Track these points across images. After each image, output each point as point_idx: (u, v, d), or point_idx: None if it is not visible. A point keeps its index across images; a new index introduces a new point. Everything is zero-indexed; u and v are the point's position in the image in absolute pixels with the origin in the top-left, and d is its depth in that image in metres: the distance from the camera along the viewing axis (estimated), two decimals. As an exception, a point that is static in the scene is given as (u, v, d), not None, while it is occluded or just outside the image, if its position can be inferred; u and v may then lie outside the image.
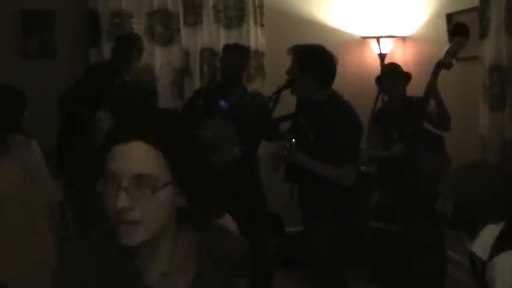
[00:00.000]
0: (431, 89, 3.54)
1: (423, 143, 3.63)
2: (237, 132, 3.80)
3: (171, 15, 4.83)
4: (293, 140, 3.16)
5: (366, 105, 4.20)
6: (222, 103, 3.94)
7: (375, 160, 3.99)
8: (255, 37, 5.01)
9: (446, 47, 3.59)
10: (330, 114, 3.09)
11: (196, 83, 4.84)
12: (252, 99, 3.98)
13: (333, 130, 3.05)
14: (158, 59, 4.80)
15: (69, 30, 4.73)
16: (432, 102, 3.61)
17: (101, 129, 2.24)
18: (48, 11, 4.67)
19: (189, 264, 1.29)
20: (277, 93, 3.30)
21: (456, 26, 3.76)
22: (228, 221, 1.80)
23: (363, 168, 4.15)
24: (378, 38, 5.22)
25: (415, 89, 3.84)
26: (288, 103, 3.43)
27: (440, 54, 3.55)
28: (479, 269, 2.04)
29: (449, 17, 4.51)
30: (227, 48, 4.16)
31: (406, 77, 3.93)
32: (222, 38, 4.89)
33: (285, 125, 3.68)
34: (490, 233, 2.03)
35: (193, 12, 4.90)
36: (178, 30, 4.85)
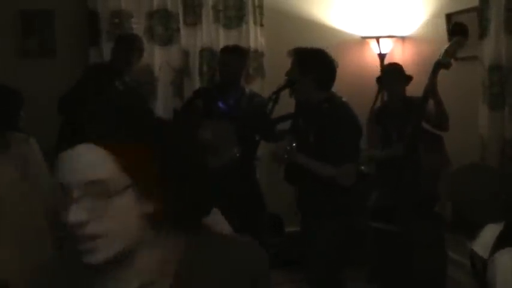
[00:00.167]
0: (431, 89, 3.54)
1: (422, 143, 3.63)
2: (235, 133, 3.81)
3: (171, 15, 4.83)
4: (293, 144, 3.16)
5: (366, 105, 4.20)
6: (220, 104, 3.95)
7: (374, 160, 4.00)
8: (255, 37, 5.01)
9: (445, 46, 3.60)
10: (329, 115, 3.09)
11: (196, 83, 4.84)
12: (249, 100, 3.99)
13: (332, 130, 3.06)
14: (158, 59, 4.80)
15: (69, 30, 4.73)
16: (431, 102, 3.61)
17: None
18: (48, 11, 4.67)
19: (169, 272, 1.14)
20: (277, 93, 3.30)
21: (455, 26, 3.76)
22: (217, 220, 1.78)
23: (362, 168, 4.16)
24: (377, 38, 5.23)
25: (415, 89, 3.85)
26: (287, 103, 3.43)
27: (439, 53, 3.56)
28: (479, 268, 2.05)
29: (449, 17, 4.52)
30: (226, 49, 4.16)
31: (407, 77, 3.94)
32: (221, 38, 4.90)
33: (283, 126, 3.69)
34: (490, 232, 2.03)
35: (192, 12, 4.90)
36: (178, 30, 4.85)
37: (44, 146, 3.02)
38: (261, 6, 5.04)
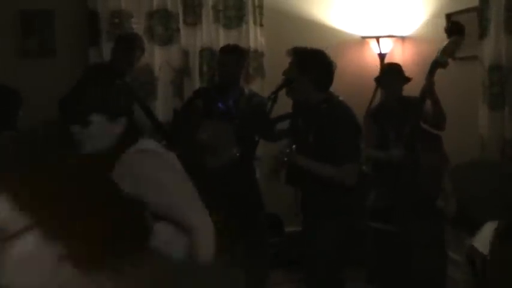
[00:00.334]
0: (428, 88, 3.55)
1: (421, 143, 3.63)
2: (234, 133, 3.81)
3: (171, 15, 4.83)
4: (293, 146, 3.17)
5: (366, 105, 4.21)
6: (220, 104, 3.94)
7: (371, 159, 4.00)
8: (255, 37, 5.01)
9: (442, 45, 3.61)
10: (327, 115, 3.09)
11: (196, 83, 4.84)
12: (249, 100, 3.99)
13: (331, 130, 3.06)
14: (157, 58, 4.80)
15: (69, 30, 4.73)
16: (428, 102, 3.62)
17: (93, 134, 2.20)
18: (48, 11, 4.67)
19: None
20: (275, 93, 3.31)
21: (452, 25, 3.76)
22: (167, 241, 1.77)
23: (364, 168, 4.16)
24: (377, 38, 5.23)
25: (414, 88, 3.85)
26: (286, 103, 3.43)
27: (437, 53, 3.56)
28: (479, 264, 2.04)
29: (449, 17, 4.52)
30: (224, 49, 4.16)
31: (405, 78, 3.95)
32: (221, 38, 4.90)
33: (282, 125, 3.69)
34: (490, 228, 2.03)
35: (192, 12, 4.90)
36: (178, 30, 4.85)
37: (43, 146, 3.01)
38: (261, 6, 5.04)
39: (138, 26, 4.75)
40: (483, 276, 2.01)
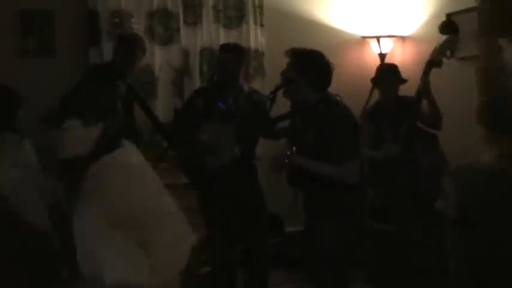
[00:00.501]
0: (424, 88, 3.56)
1: (418, 142, 3.64)
2: (235, 133, 3.80)
3: (171, 15, 4.83)
4: (293, 148, 3.16)
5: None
6: (220, 104, 3.94)
7: (368, 159, 4.00)
8: (255, 37, 5.01)
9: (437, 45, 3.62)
10: (325, 114, 3.09)
11: (196, 82, 4.84)
12: (248, 98, 3.98)
13: (329, 129, 3.06)
14: (158, 58, 4.80)
15: (69, 30, 4.73)
16: (424, 102, 3.62)
17: (67, 139, 2.16)
18: (48, 10, 4.67)
19: None
20: (274, 92, 3.31)
21: (445, 24, 3.77)
22: None
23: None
24: (377, 38, 5.23)
25: (415, 88, 3.84)
26: (285, 103, 3.43)
27: (431, 53, 3.57)
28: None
29: (449, 17, 4.52)
30: (224, 48, 4.15)
31: (401, 78, 3.97)
32: (221, 38, 4.90)
33: (283, 123, 3.68)
34: None
35: (192, 12, 4.90)
36: (178, 30, 4.85)
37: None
38: (261, 6, 5.04)
39: (138, 25, 4.75)
40: None
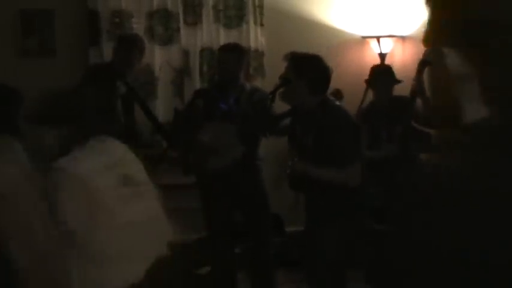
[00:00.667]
0: (418, 88, 3.57)
1: (414, 142, 3.65)
2: (236, 132, 3.80)
3: (171, 15, 4.83)
4: (295, 159, 3.17)
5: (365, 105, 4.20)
6: (221, 104, 3.93)
7: (366, 159, 4.00)
8: (255, 37, 5.01)
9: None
10: (324, 118, 3.09)
11: (196, 82, 4.84)
12: (250, 96, 3.98)
13: (329, 133, 3.06)
14: (158, 58, 4.80)
15: (69, 30, 4.73)
16: (419, 101, 3.63)
17: (30, 146, 2.14)
18: (48, 10, 4.67)
19: None
20: (273, 92, 3.31)
21: None
22: None
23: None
24: (378, 38, 5.23)
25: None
26: (284, 103, 3.43)
27: (426, 52, 3.56)
28: None
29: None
30: (224, 47, 4.15)
31: (395, 79, 4.00)
32: (221, 38, 4.90)
33: (285, 121, 3.68)
34: None
35: (193, 12, 4.90)
36: (178, 30, 4.85)
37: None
38: (261, 6, 5.03)
39: (138, 25, 4.75)
40: None
